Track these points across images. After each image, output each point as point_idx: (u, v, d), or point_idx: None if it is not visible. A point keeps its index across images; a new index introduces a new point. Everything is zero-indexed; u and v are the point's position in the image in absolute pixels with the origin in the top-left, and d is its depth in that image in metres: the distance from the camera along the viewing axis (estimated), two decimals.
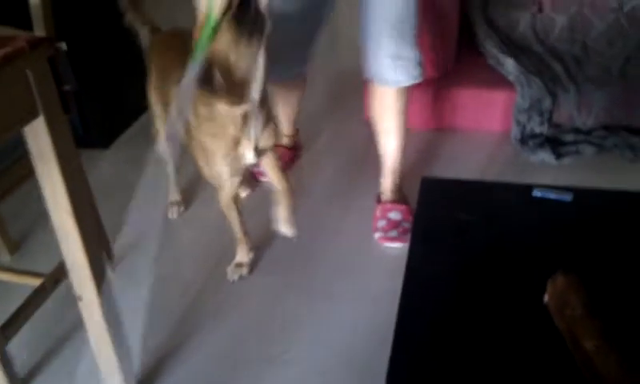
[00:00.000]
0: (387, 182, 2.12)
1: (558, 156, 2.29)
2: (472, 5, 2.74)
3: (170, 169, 2.22)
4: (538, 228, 1.55)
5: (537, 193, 1.64)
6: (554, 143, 2.33)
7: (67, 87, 1.26)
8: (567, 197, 1.61)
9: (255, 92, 1.53)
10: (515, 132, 2.37)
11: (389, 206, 2.11)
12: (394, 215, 2.09)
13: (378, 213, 2.12)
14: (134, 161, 2.62)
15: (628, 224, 1.53)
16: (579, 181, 2.17)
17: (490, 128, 2.50)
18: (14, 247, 2.12)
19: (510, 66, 2.43)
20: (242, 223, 1.91)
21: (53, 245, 1.35)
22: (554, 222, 1.57)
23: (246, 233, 1.93)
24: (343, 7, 2.10)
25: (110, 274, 1.91)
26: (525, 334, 1.24)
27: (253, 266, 1.98)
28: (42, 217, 1.36)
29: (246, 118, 1.59)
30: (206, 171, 1.77)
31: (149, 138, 2.69)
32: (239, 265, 1.97)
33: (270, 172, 1.87)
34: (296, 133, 2.52)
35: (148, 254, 2.08)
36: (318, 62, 2.27)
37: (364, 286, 1.86)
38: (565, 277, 1.27)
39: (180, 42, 1.73)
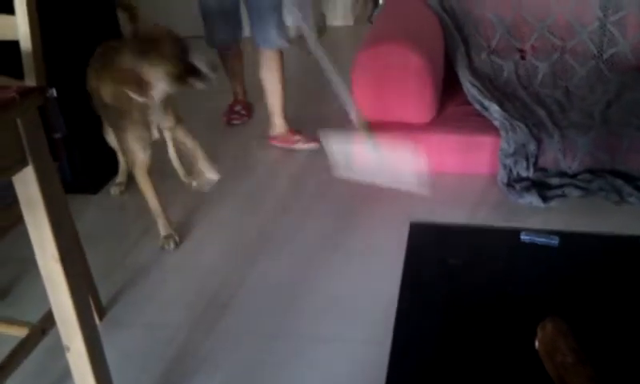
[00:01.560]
0: (282, 120, 3.00)
1: (545, 199, 2.31)
2: (456, 53, 2.80)
3: (154, 202, 2.26)
4: (526, 272, 1.56)
5: (524, 237, 1.65)
6: (541, 187, 2.36)
7: (57, 135, 1.27)
8: (554, 241, 1.62)
9: (157, 95, 2.08)
10: (502, 176, 2.40)
11: (291, 130, 3.00)
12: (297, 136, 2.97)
13: (290, 135, 2.99)
14: (121, 206, 2.61)
15: (614, 267, 1.54)
16: (566, 223, 2.18)
17: (478, 172, 2.53)
18: (1, 295, 2.09)
19: (494, 111, 2.48)
20: (158, 196, 2.25)
21: (41, 293, 1.34)
22: (541, 266, 1.58)
23: (162, 207, 2.27)
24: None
25: (98, 323, 1.89)
26: (516, 380, 1.23)
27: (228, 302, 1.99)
28: (29, 264, 1.35)
29: (147, 107, 2.10)
30: (123, 146, 2.19)
31: (136, 183, 2.72)
32: (168, 236, 2.29)
33: (183, 139, 2.33)
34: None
35: (137, 300, 2.05)
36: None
37: (353, 330, 1.85)
38: (554, 323, 1.28)
39: (110, 52, 2.21)
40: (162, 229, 2.30)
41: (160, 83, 2.04)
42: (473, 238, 1.75)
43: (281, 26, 2.74)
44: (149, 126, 2.17)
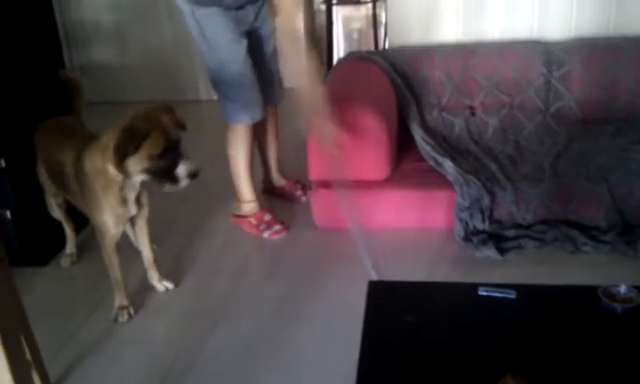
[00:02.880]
0: (280, 173, 2.97)
1: (502, 251, 2.34)
2: (408, 111, 2.87)
3: (117, 274, 2.20)
4: (485, 327, 1.55)
5: (482, 291, 1.65)
6: (497, 239, 2.38)
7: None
8: (511, 294, 1.63)
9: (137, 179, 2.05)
10: (459, 230, 2.42)
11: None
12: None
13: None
14: (72, 278, 2.53)
15: (571, 318, 1.55)
16: (524, 275, 2.20)
17: (435, 226, 2.55)
18: None
19: (448, 167, 2.52)
20: (120, 269, 2.21)
21: None
22: (500, 320, 1.57)
23: (123, 278, 2.22)
24: None
25: None
26: None
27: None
28: None
29: (123, 184, 2.04)
30: (96, 220, 2.12)
31: (88, 253, 2.65)
32: (123, 307, 2.22)
33: (141, 228, 2.31)
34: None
35: (89, 377, 1.96)
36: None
37: None
38: (514, 379, 1.26)
39: (61, 127, 2.32)
40: (118, 300, 2.23)
41: (137, 174, 2.00)
42: (431, 295, 1.75)
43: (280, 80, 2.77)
44: (126, 202, 2.11)
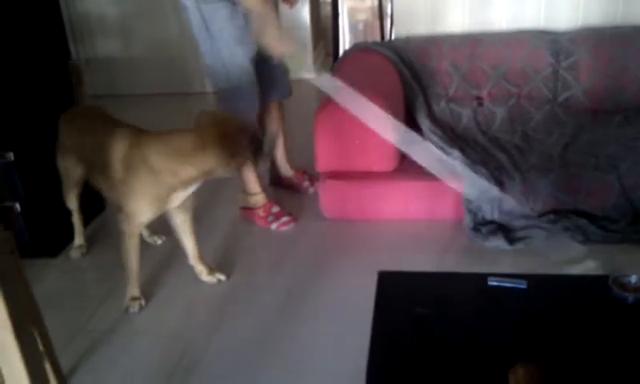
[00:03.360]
0: (289, 163, 2.95)
1: (511, 241, 2.33)
2: (415, 102, 2.86)
3: (133, 263, 2.18)
4: (495, 318, 1.55)
5: (492, 282, 1.65)
6: (506, 229, 2.38)
7: (8, 203, 1.22)
8: (522, 284, 1.62)
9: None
10: (467, 220, 2.41)
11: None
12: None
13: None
14: (82, 269, 2.54)
15: (582, 308, 1.55)
16: (534, 265, 2.20)
17: (444, 217, 2.55)
18: None
19: (455, 157, 2.51)
20: (138, 259, 2.18)
21: None
22: (510, 310, 1.57)
23: (138, 268, 2.19)
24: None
25: None
26: None
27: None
28: None
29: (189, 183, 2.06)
30: (131, 207, 2.08)
31: (97, 245, 2.66)
32: (134, 298, 2.21)
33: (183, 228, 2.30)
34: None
35: (100, 367, 1.97)
36: None
37: None
38: (525, 368, 1.26)
39: (94, 114, 2.33)
40: (130, 290, 2.22)
41: (215, 174, 2.01)
42: (441, 285, 1.75)
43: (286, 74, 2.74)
44: (171, 198, 2.09)
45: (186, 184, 2.05)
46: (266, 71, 2.57)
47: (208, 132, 1.94)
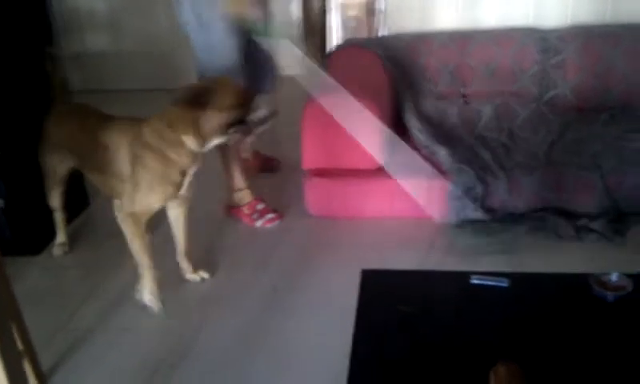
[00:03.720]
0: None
1: (494, 239, 2.33)
2: (403, 99, 2.85)
3: (146, 255, 2.10)
4: (477, 316, 1.55)
5: (475, 280, 1.65)
6: (489, 227, 2.38)
7: None
8: (504, 282, 1.62)
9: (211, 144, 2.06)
10: (451, 218, 2.41)
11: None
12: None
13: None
14: (65, 266, 2.52)
15: (563, 306, 1.55)
16: (516, 263, 2.20)
17: (428, 215, 2.54)
18: None
19: (442, 155, 2.51)
20: (150, 250, 2.10)
21: None
22: (492, 308, 1.57)
23: (151, 260, 2.10)
24: None
25: None
26: None
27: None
28: None
29: (195, 156, 2.04)
30: (140, 199, 2.03)
31: (80, 242, 2.63)
32: (153, 294, 2.13)
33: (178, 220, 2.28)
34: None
35: (81, 366, 1.95)
36: None
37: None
38: (506, 367, 1.26)
39: (85, 113, 2.27)
40: (148, 284, 2.13)
41: (214, 135, 2.01)
42: (424, 283, 1.75)
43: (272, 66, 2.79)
44: (181, 184, 2.09)
45: (190, 158, 2.03)
46: (254, 60, 2.61)
47: (198, 90, 1.99)
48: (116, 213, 2.09)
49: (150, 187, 2.04)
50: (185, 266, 2.33)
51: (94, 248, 2.52)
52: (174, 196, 2.12)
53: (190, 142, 2.00)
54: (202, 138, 2.00)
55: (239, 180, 2.69)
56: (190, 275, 2.33)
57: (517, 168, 2.46)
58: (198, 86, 2.07)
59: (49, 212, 2.54)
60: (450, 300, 1.64)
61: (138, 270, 2.13)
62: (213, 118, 1.98)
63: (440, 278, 1.80)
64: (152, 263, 2.11)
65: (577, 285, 1.57)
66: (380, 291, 1.72)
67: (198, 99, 1.97)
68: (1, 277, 1.58)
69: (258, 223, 2.68)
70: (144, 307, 2.14)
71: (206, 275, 2.33)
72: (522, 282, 1.65)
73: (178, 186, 2.08)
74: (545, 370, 1.34)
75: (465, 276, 1.67)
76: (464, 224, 2.40)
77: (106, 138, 2.08)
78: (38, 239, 2.62)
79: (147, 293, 2.14)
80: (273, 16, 2.59)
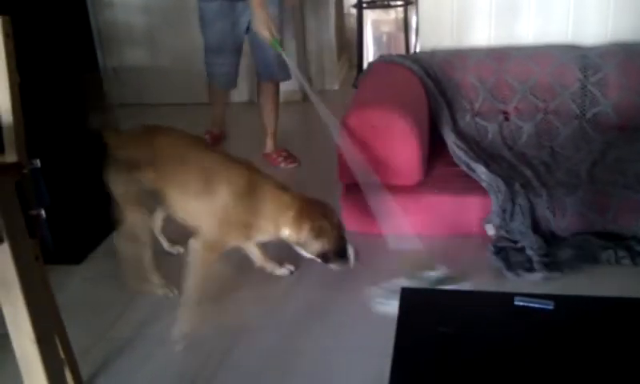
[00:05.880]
0: (272, 142, 3.55)
1: (537, 259, 2.28)
2: (440, 116, 2.84)
3: (194, 295, 2.10)
4: (521, 339, 1.51)
5: (518, 302, 1.62)
6: (532, 247, 2.33)
7: (34, 211, 1.23)
8: (549, 305, 1.58)
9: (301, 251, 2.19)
10: (491, 235, 2.38)
11: (280, 150, 3.53)
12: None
13: (275, 156, 3.51)
14: (106, 276, 2.54)
15: (611, 332, 1.50)
16: (561, 284, 2.15)
17: (467, 233, 2.51)
18: None
19: (481, 172, 2.48)
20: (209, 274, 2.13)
21: (13, 371, 1.27)
22: (537, 332, 1.53)
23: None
24: None
25: None
26: None
27: None
28: (4, 340, 1.28)
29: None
30: (218, 237, 2.11)
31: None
32: (185, 335, 2.07)
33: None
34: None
35: (120, 376, 1.97)
36: None
37: None
38: None
39: (177, 138, 2.27)
40: (185, 323, 2.07)
41: (313, 248, 2.12)
42: (465, 304, 1.71)
43: (281, 62, 3.10)
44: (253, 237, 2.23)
45: (274, 236, 2.15)
46: (259, 54, 3.28)
47: (312, 215, 2.09)
48: (192, 242, 2.11)
49: (232, 230, 2.12)
50: (270, 266, 2.45)
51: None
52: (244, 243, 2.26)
53: (286, 232, 2.10)
54: (298, 239, 2.10)
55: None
56: (279, 271, 2.45)
57: (559, 186, 2.42)
58: (321, 212, 2.14)
59: (90, 221, 2.57)
60: (493, 322, 1.60)
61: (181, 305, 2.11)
62: (316, 246, 2.09)
63: (482, 298, 1.77)
64: (192, 315, 2.08)
65: (626, 309, 1.52)
66: (420, 310, 1.70)
67: (319, 208, 2.12)
68: (44, 286, 1.61)
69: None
70: (163, 342, 2.07)
71: (291, 267, 2.46)
72: (568, 304, 1.61)
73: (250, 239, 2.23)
74: None
75: (508, 297, 1.63)
76: (504, 242, 2.36)
77: (215, 174, 2.11)
78: (79, 248, 2.66)
79: (179, 330, 2.07)
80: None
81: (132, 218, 2.26)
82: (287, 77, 3.35)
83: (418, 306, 1.68)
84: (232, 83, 3.51)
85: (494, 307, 1.65)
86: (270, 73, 3.36)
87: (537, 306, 1.58)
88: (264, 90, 3.47)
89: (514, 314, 1.58)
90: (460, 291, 1.93)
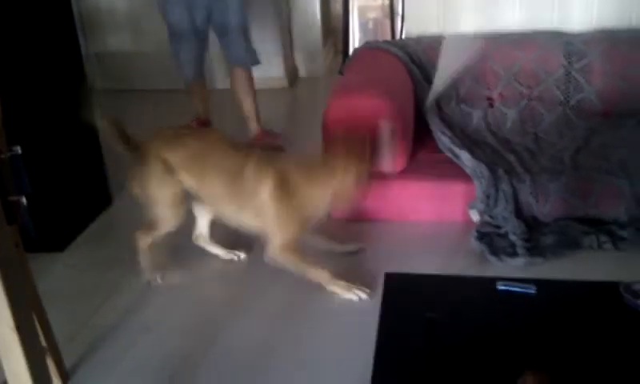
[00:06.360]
0: (255, 125, 3.52)
1: (520, 244, 2.29)
2: (426, 101, 2.83)
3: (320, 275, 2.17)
4: (504, 323, 1.53)
5: (501, 286, 1.63)
6: (515, 232, 2.34)
7: (13, 197, 1.21)
8: (531, 289, 1.60)
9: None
10: (475, 221, 2.39)
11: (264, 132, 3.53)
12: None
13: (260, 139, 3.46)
14: (89, 264, 2.53)
15: (592, 315, 1.52)
16: (543, 269, 2.16)
17: (452, 219, 2.52)
18: None
19: (465, 158, 2.49)
20: (305, 258, 2.17)
21: None
22: (519, 315, 1.55)
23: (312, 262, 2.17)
24: None
25: None
26: None
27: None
28: None
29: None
30: (286, 235, 2.16)
31: (105, 240, 2.65)
32: (342, 286, 2.14)
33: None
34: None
35: (104, 363, 1.96)
36: None
37: None
38: (534, 376, 1.24)
39: (212, 141, 2.28)
40: (340, 286, 2.16)
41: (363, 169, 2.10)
42: (449, 289, 1.73)
43: (248, 46, 3.30)
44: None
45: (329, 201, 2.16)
46: (225, 41, 3.32)
47: (337, 150, 2.11)
48: (268, 257, 2.17)
49: (291, 223, 2.15)
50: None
51: (118, 246, 2.52)
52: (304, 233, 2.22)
53: (338, 186, 2.08)
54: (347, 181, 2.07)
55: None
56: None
57: (543, 172, 2.43)
58: (341, 142, 2.14)
59: (73, 208, 2.55)
60: (476, 306, 1.62)
61: (325, 287, 2.17)
62: (349, 176, 2.07)
63: (465, 283, 1.79)
64: (329, 273, 2.16)
65: (607, 293, 1.54)
66: (403, 295, 1.71)
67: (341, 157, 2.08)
68: (25, 273, 1.59)
69: None
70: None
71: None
72: (550, 288, 1.63)
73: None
74: (573, 380, 1.32)
75: (491, 282, 1.65)
76: (487, 227, 2.37)
77: (250, 178, 2.14)
78: (62, 235, 2.64)
79: (346, 292, 2.15)
80: None
81: (169, 222, 2.25)
82: (256, 61, 3.41)
83: (400, 290, 1.70)
84: (198, 73, 3.50)
85: (477, 291, 1.67)
86: (237, 58, 3.38)
87: (519, 290, 1.60)
88: (236, 77, 3.47)
89: (497, 298, 1.60)
90: (443, 276, 1.94)
